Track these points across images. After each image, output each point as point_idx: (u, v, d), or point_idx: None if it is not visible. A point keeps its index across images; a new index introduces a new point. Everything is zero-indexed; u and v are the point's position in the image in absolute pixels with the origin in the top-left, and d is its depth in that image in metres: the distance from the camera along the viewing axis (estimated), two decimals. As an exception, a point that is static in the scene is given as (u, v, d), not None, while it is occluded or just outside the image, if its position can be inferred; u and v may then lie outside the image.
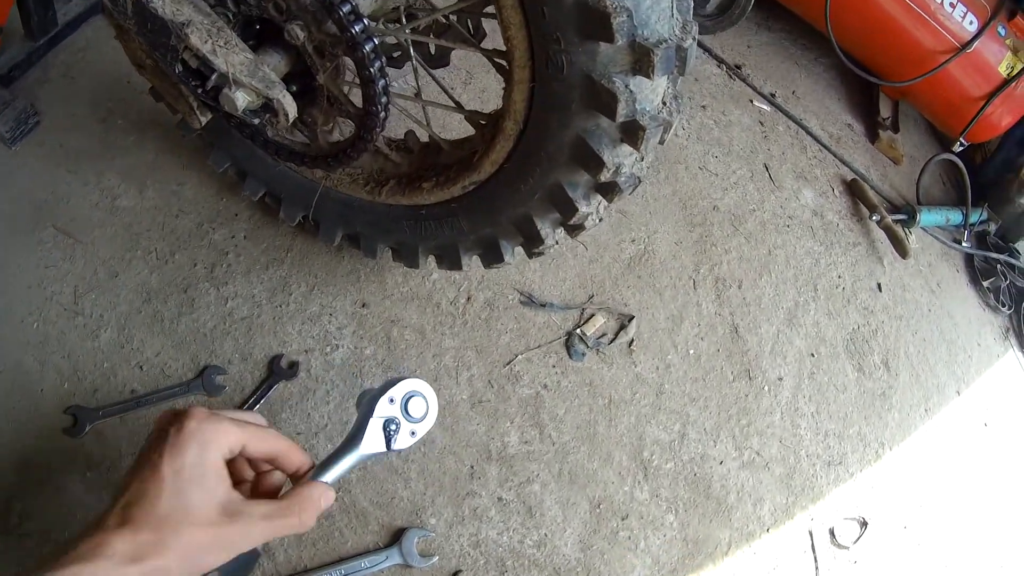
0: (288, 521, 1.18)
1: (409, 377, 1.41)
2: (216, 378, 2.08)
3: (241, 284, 2.25)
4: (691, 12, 1.43)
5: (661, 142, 1.56)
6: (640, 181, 1.65)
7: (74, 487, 1.87)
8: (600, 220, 1.73)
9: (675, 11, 1.36)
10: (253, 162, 2.13)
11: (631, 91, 1.37)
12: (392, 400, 1.38)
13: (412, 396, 1.40)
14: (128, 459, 1.93)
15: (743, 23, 3.63)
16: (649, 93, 1.41)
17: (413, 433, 1.41)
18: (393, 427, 1.37)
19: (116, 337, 2.10)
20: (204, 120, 1.67)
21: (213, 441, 1.13)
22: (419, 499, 2.10)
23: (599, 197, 1.67)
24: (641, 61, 1.33)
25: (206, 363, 2.11)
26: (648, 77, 1.34)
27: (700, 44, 3.72)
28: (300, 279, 2.30)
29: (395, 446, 1.38)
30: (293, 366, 2.15)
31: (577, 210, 1.64)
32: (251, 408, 2.08)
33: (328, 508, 1.27)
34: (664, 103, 1.50)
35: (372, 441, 1.35)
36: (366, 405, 1.39)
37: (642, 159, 1.59)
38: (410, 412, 1.39)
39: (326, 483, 1.27)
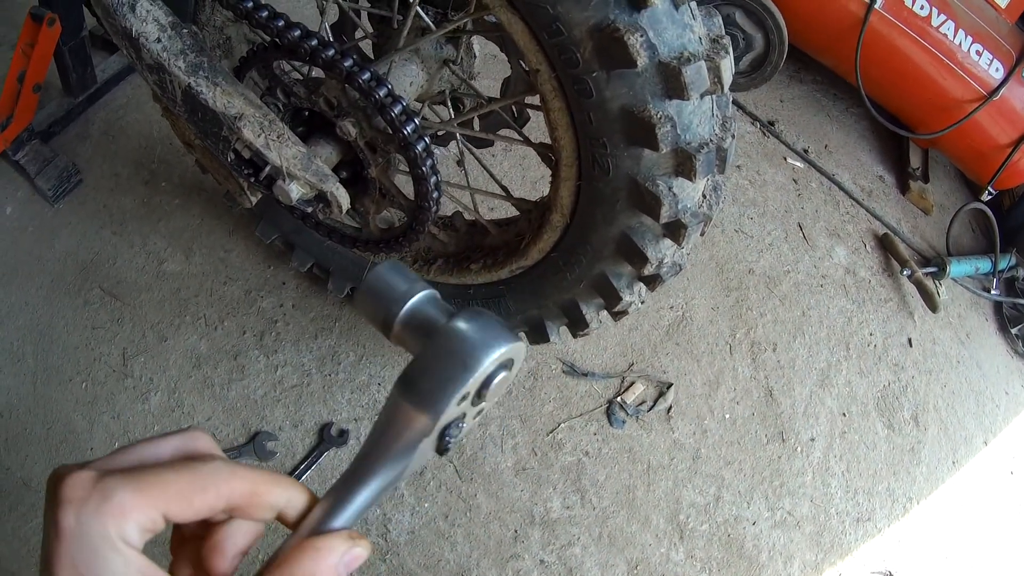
0: None
1: (499, 342, 0.68)
2: (267, 444, 2.14)
3: (290, 352, 2.31)
4: (730, 106, 1.48)
5: (702, 234, 1.61)
6: (681, 268, 1.70)
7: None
8: (643, 303, 1.78)
9: (715, 110, 1.41)
10: (301, 235, 2.19)
11: (674, 193, 1.42)
12: (467, 395, 0.69)
13: (499, 373, 0.70)
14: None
15: (775, 77, 3.66)
16: (691, 192, 1.47)
17: (477, 414, 0.76)
18: (457, 429, 0.73)
19: (166, 400, 2.17)
20: (254, 200, 1.71)
21: (107, 537, 0.59)
22: (465, 562, 2.15)
23: (642, 285, 1.72)
24: (684, 165, 1.38)
25: (257, 429, 2.17)
26: (691, 180, 1.39)
27: (734, 102, 3.73)
28: (349, 349, 2.35)
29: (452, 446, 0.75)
30: (343, 434, 2.21)
31: (621, 299, 1.69)
32: (301, 475, 2.12)
33: (357, 564, 0.68)
34: (704, 196, 1.54)
35: (420, 457, 0.72)
36: (429, 402, 0.67)
37: (685, 247, 1.63)
38: (483, 396, 0.71)
39: (345, 531, 0.67)
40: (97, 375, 2.16)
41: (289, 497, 0.67)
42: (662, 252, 1.57)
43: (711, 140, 1.39)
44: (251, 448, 2.13)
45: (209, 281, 2.38)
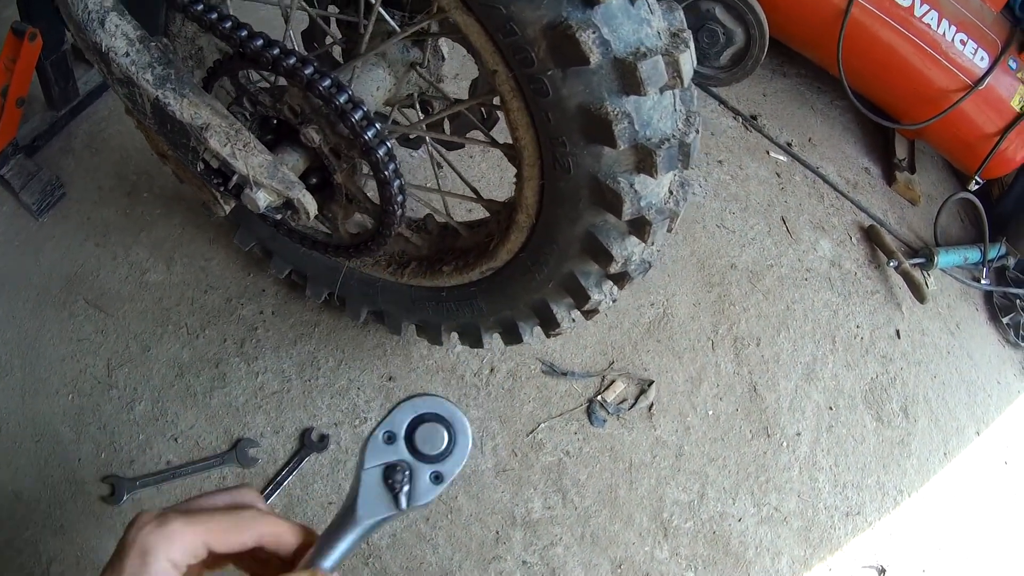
0: None
1: (413, 396, 0.97)
2: (249, 450, 2.14)
3: (271, 359, 2.31)
4: (694, 100, 1.47)
5: (669, 230, 1.60)
6: (651, 266, 1.69)
7: (112, 552, 1.93)
8: (614, 302, 1.77)
9: (677, 105, 1.40)
10: (278, 242, 2.19)
11: (636, 190, 1.41)
12: (391, 437, 0.96)
13: (421, 424, 0.96)
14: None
15: (758, 71, 3.66)
16: (655, 188, 1.46)
17: (437, 477, 0.97)
18: (400, 476, 0.95)
19: (150, 410, 2.17)
20: (228, 209, 1.71)
21: (155, 549, 0.86)
22: (447, 564, 2.15)
23: (611, 283, 1.71)
24: (645, 161, 1.37)
25: (239, 436, 2.18)
26: (652, 176, 1.38)
27: (715, 96, 3.75)
28: (328, 354, 2.36)
29: (413, 501, 0.96)
30: (324, 439, 2.21)
31: (590, 298, 1.69)
32: (283, 480, 2.14)
33: None
34: (671, 192, 1.54)
35: (371, 503, 0.95)
36: (359, 453, 0.97)
37: (653, 244, 1.63)
38: (421, 449, 0.96)
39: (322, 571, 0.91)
40: (83, 386, 2.16)
41: (298, 541, 0.94)
42: (628, 250, 1.56)
43: (673, 135, 1.38)
44: (233, 455, 2.13)
45: (191, 290, 2.38)
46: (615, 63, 1.25)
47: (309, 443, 2.19)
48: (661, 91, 1.32)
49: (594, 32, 1.20)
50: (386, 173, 1.52)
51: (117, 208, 2.47)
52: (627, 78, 1.26)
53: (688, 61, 1.33)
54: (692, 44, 1.35)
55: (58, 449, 2.06)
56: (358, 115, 1.44)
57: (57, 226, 2.39)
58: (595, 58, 1.21)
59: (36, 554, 1.92)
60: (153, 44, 1.49)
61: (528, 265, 1.72)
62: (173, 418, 2.17)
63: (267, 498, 2.10)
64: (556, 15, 1.21)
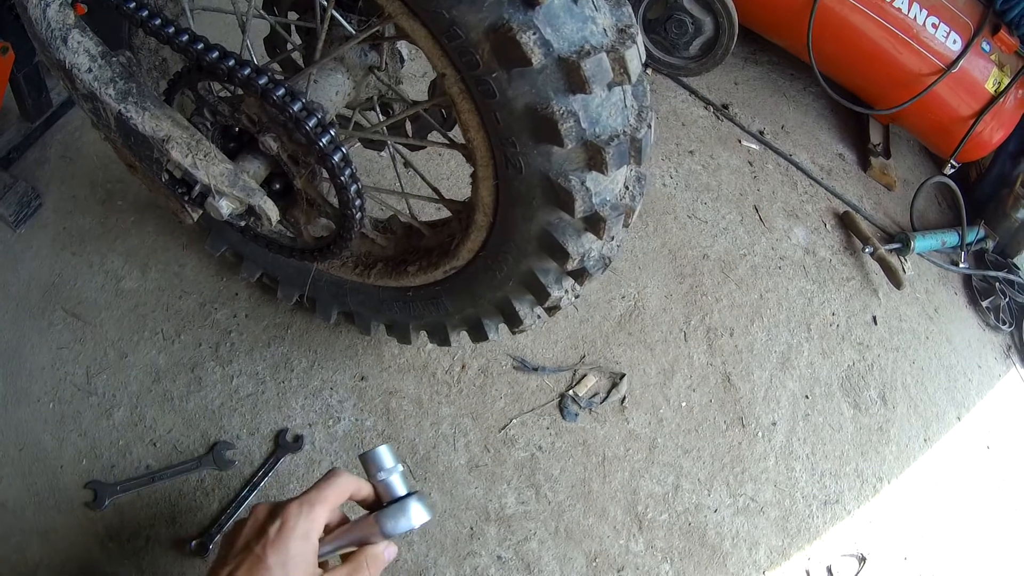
0: None
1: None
2: (226, 453, 2.16)
3: (245, 362, 2.32)
4: (647, 97, 1.48)
5: (626, 225, 1.61)
6: (611, 261, 1.70)
7: (97, 557, 1.97)
8: (577, 297, 1.78)
9: (628, 101, 1.41)
10: (248, 246, 2.21)
11: (587, 187, 1.42)
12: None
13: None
14: (146, 531, 2.03)
15: (729, 59, 3.65)
16: (608, 184, 1.47)
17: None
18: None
19: (129, 415, 2.19)
20: (195, 217, 1.72)
21: (312, 531, 1.37)
22: (422, 561, 2.17)
23: (571, 280, 1.73)
24: (595, 159, 1.38)
25: (216, 439, 2.19)
26: (603, 173, 1.40)
27: (686, 86, 3.76)
28: (301, 355, 2.37)
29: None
30: (298, 439, 2.23)
31: (550, 295, 1.70)
32: (259, 481, 2.15)
33: (391, 560, 1.46)
34: (627, 187, 1.55)
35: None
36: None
37: (612, 239, 1.64)
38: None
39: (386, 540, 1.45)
40: (63, 394, 2.18)
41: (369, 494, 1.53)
42: (585, 246, 1.57)
43: (623, 132, 1.39)
44: (210, 458, 2.14)
45: (165, 296, 2.40)
46: (559, 62, 1.25)
47: (284, 444, 2.21)
48: (609, 88, 1.33)
49: (535, 33, 1.21)
50: (342, 178, 1.53)
51: (92, 217, 2.48)
52: (572, 77, 1.27)
53: (635, 57, 1.33)
54: (640, 39, 1.36)
55: (41, 457, 2.08)
56: (312, 123, 1.46)
57: (34, 237, 2.41)
58: (537, 58, 1.22)
59: (24, 560, 1.94)
60: (115, 59, 1.50)
61: (489, 264, 1.73)
62: (151, 423, 2.19)
63: (244, 499, 2.11)
64: (497, 17, 1.22)
